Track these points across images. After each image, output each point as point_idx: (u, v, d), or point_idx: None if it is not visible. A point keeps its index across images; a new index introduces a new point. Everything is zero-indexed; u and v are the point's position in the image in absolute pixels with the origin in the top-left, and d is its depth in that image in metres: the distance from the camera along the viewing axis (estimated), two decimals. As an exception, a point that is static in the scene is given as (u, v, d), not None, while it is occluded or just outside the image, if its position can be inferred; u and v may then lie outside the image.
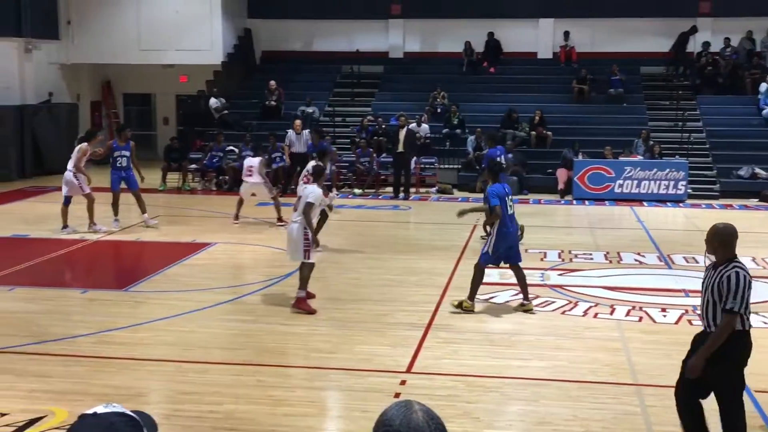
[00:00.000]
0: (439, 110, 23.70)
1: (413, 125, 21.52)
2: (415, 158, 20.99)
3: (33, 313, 10.30)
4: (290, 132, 20.21)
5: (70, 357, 8.64)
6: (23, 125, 22.75)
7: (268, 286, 11.12)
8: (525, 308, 10.38)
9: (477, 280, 10.32)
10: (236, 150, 21.65)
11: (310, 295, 10.43)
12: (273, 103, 24.16)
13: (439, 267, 12.79)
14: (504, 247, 10.33)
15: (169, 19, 24.88)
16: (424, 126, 22.36)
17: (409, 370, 8.30)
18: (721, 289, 5.82)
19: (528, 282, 11.85)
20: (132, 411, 2.30)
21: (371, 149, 21.44)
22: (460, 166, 21.90)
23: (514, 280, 11.97)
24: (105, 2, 25.26)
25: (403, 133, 20.35)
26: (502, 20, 26.00)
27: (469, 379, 8.07)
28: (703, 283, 6.10)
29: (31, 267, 12.82)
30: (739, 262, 5.96)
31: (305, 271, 10.28)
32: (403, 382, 7.97)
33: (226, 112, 24.07)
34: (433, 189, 21.12)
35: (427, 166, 21.77)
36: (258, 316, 10.20)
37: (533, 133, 22.28)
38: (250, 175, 15.97)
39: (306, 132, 20.30)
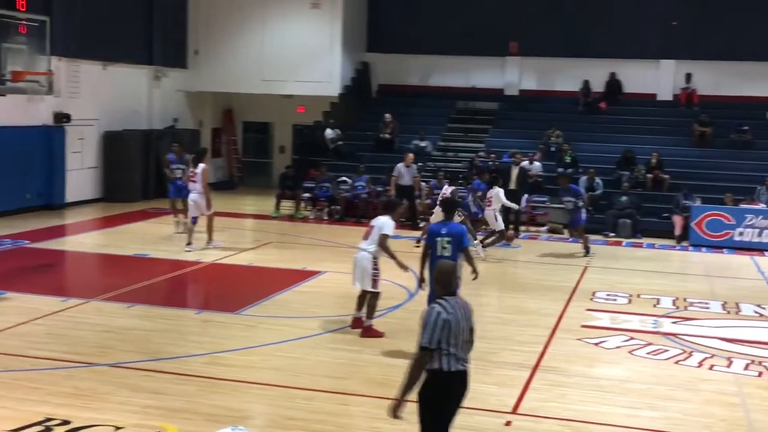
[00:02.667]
0: (552, 149, 23.46)
1: (525, 163, 21.36)
2: (526, 196, 20.80)
3: (150, 331, 10.67)
4: (400, 165, 20.35)
5: (182, 376, 8.89)
6: (148, 149, 23.75)
7: (376, 317, 11.17)
8: None
9: None
10: (349, 180, 21.98)
11: (378, 333, 10.59)
12: (387, 135, 24.43)
13: (548, 307, 12.60)
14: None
15: (290, 51, 25.56)
16: (537, 164, 22.16)
17: (514, 411, 8.19)
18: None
19: (641, 329, 11.59)
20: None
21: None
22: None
23: (625, 325, 11.74)
24: (231, 34, 26.18)
25: (515, 171, 20.22)
26: (621, 60, 25.60)
27: (576, 425, 7.89)
28: None
29: (150, 286, 13.32)
30: (444, 301, 5.83)
31: (373, 300, 10.62)
32: (508, 423, 7.87)
33: (340, 142, 24.49)
34: (544, 228, 20.86)
35: (538, 205, 21.52)
36: (365, 346, 10.26)
37: (649, 175, 21.75)
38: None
39: (414, 166, 20.53)
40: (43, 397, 8.06)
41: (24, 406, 7.76)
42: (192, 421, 7.60)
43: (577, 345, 10.67)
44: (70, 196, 21.63)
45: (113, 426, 7.38)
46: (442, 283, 6.02)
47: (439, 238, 9.55)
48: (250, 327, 11.02)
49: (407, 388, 5.82)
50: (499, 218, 17.11)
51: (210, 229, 16.28)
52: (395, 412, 5.87)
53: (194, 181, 16.09)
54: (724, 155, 22.93)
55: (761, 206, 19.79)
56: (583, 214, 17.85)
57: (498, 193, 17.02)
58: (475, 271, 9.96)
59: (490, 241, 17.23)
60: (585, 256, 17.28)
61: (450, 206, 10.45)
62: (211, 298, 13.50)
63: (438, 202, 15.44)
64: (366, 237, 10.65)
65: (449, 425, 5.98)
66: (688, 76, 25.11)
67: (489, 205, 17.08)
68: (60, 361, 9.21)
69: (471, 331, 6.06)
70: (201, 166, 16.07)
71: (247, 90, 26.40)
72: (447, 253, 9.45)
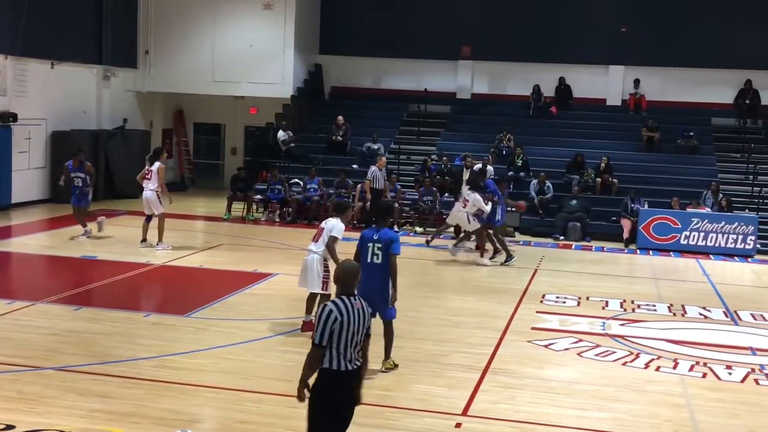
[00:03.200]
0: (504, 152, 23.65)
1: (478, 166, 21.49)
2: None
3: (97, 333, 10.50)
4: (374, 168, 20.37)
5: (131, 379, 8.78)
6: (97, 149, 23.40)
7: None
8: (386, 366, 9.36)
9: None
10: (301, 183, 21.91)
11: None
12: (340, 138, 24.41)
13: (498, 310, 12.70)
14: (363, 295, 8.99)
15: (242, 52, 25.42)
16: (489, 168, 22.27)
17: (464, 413, 8.23)
18: None
19: (589, 331, 11.72)
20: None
21: (434, 188, 21.46)
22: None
23: (574, 327, 11.87)
24: (182, 34, 25.95)
25: (467, 174, 20.33)
26: (572, 65, 25.95)
27: (526, 426, 7.96)
28: None
29: (98, 288, 13.13)
30: (340, 300, 5.82)
31: (323, 301, 10.38)
32: (458, 425, 7.91)
33: (293, 145, 24.39)
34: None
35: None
36: (316, 349, 10.21)
37: (598, 179, 22.06)
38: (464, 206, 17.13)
39: (385, 170, 20.58)
40: (-14, 401, 7.89)
41: (-34, 412, 7.60)
42: (140, 425, 7.51)
43: (527, 347, 10.77)
44: (16, 196, 21.20)
45: (59, 430, 7.26)
46: (343, 282, 5.98)
47: (370, 244, 9.12)
48: (200, 330, 10.92)
49: (303, 381, 5.89)
50: (474, 221, 16.99)
51: (160, 230, 16.14)
52: (300, 400, 5.96)
53: (149, 179, 16.04)
54: (671, 160, 23.37)
55: (707, 210, 20.20)
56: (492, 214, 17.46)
57: (476, 198, 16.90)
58: (393, 294, 9.23)
59: (478, 247, 17.24)
60: (492, 258, 17.08)
61: (383, 212, 9.72)
62: (160, 301, 13.35)
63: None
64: (315, 239, 10.61)
65: (344, 426, 5.94)
66: (637, 82, 25.55)
67: (464, 207, 17.12)
68: (4, 365, 9.01)
69: (367, 331, 5.98)
70: (156, 164, 16.08)
71: (198, 91, 26.16)
72: (377, 260, 9.07)
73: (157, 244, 16.05)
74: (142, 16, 26.04)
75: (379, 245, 9.09)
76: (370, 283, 8.76)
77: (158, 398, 8.23)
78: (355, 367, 5.89)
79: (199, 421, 7.81)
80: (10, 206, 20.83)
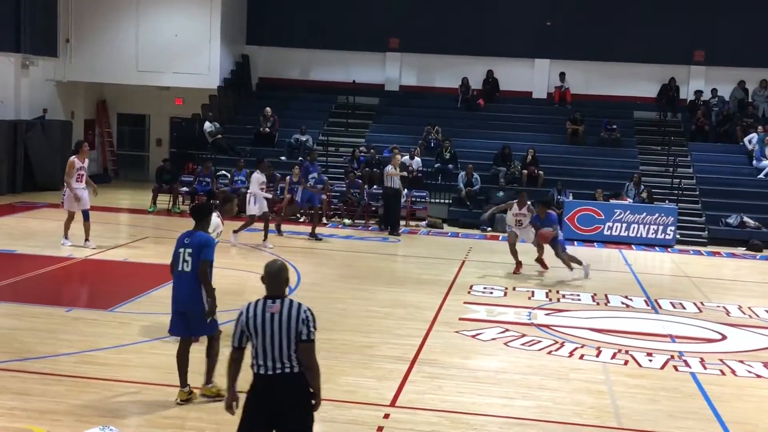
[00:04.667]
0: (432, 144, 23.79)
1: (406, 158, 21.60)
2: (405, 191, 21.01)
3: (16, 329, 10.19)
4: (389, 167, 19.63)
5: (51, 376, 8.55)
6: (16, 140, 22.71)
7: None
8: (203, 392, 8.22)
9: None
10: (228, 174, 21.66)
11: None
12: (267, 129, 24.21)
13: (426, 301, 12.76)
14: (173, 311, 8.12)
15: (167, 41, 24.97)
16: (417, 159, 22.44)
17: (393, 404, 8.26)
18: None
19: (516, 320, 11.87)
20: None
21: (360, 180, 21.45)
22: (450, 201, 21.95)
23: (501, 317, 12.02)
24: (104, 22, 25.34)
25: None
26: (499, 58, 26.22)
27: (453, 416, 8.02)
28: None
29: (17, 283, 12.74)
30: (255, 302, 5.74)
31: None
32: (386, 416, 7.93)
33: (220, 136, 24.08)
34: (423, 223, 21.14)
35: (417, 200, 21.81)
36: (243, 342, 10.10)
37: (525, 171, 22.36)
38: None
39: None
40: None
41: None
42: (61, 422, 7.32)
43: (455, 337, 10.86)
44: (-70, 189, 20.47)
45: (-25, 430, 7.04)
46: (266, 285, 5.76)
47: (182, 250, 7.88)
48: (124, 324, 10.70)
49: (228, 383, 5.89)
50: (252, 203, 16.82)
51: (65, 225, 15.55)
52: (226, 407, 5.86)
53: None
54: (594, 152, 23.86)
55: (629, 201, 20.68)
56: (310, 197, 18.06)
57: (255, 177, 16.90)
58: (209, 299, 7.96)
59: (240, 227, 16.78)
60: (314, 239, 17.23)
61: (200, 213, 8.23)
62: (83, 295, 13.06)
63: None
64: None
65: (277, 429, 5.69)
66: (562, 75, 25.97)
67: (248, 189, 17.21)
68: None
69: (298, 335, 5.57)
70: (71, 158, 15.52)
71: (121, 81, 25.61)
72: (187, 268, 7.83)
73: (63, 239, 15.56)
74: (62, 3, 25.32)
75: (190, 251, 7.83)
76: (180, 295, 7.94)
77: (80, 394, 8.04)
78: (278, 372, 5.57)
79: (122, 417, 7.66)
80: (-77, 199, 20.10)
